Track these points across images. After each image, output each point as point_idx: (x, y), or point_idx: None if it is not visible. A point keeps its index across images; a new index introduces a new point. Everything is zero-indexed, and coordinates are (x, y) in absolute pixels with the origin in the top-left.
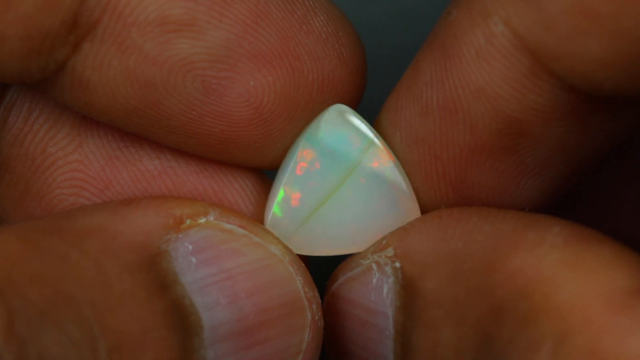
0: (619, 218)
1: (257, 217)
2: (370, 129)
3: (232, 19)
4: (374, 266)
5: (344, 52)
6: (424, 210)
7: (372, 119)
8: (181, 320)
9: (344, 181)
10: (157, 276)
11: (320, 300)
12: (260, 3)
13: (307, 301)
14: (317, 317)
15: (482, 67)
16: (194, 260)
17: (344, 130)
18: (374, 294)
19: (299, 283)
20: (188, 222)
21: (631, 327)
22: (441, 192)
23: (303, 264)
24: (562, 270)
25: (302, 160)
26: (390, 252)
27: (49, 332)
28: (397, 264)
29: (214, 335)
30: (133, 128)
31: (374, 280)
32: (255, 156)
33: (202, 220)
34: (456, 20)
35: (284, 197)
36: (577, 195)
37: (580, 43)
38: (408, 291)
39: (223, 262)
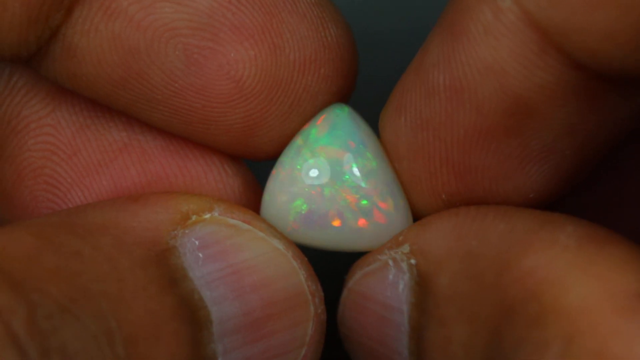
0: (620, 217)
1: (223, 193)
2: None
3: None
4: (391, 262)
5: (329, 37)
6: (424, 199)
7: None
8: (191, 314)
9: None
10: (167, 271)
11: (322, 294)
12: None
13: (310, 295)
14: (319, 311)
15: (490, 43)
16: (200, 255)
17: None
18: (390, 289)
19: (302, 277)
20: (194, 217)
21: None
22: (443, 178)
23: (306, 258)
24: (573, 272)
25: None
26: (406, 248)
27: (69, 325)
28: (413, 261)
29: (223, 329)
30: (119, 104)
31: (390, 277)
32: (236, 141)
33: (207, 216)
34: None
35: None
36: (576, 193)
37: (588, 18)
38: (423, 288)
39: (228, 257)
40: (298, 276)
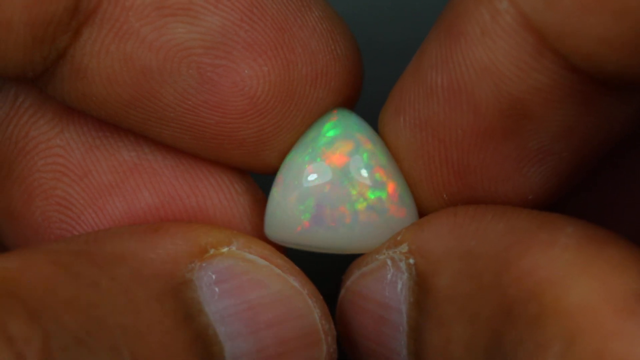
0: (620, 218)
1: (234, 210)
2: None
3: (228, 6)
4: (389, 262)
5: (338, 50)
6: (426, 199)
7: (372, 119)
8: (205, 349)
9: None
10: (183, 305)
11: (335, 333)
12: None
13: (324, 334)
14: (332, 350)
15: (487, 45)
16: (217, 290)
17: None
18: (389, 289)
19: (317, 315)
20: (212, 251)
21: None
22: (443, 178)
23: (321, 296)
24: (573, 272)
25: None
26: (404, 248)
27: (83, 358)
28: (411, 260)
29: None
30: (129, 122)
31: (389, 276)
32: (248, 156)
33: (225, 250)
34: (462, 0)
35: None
36: (575, 194)
37: (583, 21)
38: (421, 287)
39: (245, 293)
40: (313, 315)
